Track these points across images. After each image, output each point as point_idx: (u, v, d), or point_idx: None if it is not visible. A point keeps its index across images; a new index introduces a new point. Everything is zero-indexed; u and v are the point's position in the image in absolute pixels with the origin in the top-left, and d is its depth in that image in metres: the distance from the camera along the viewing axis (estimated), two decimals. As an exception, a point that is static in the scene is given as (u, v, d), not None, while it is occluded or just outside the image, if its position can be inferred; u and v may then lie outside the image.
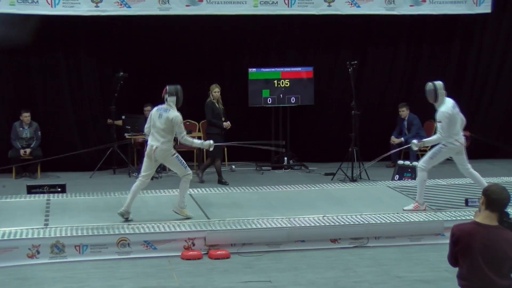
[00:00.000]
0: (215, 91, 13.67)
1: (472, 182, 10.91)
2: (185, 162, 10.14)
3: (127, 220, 9.83)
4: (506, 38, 16.19)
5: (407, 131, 15.40)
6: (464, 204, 10.84)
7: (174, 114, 9.86)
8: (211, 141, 10.34)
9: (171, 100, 9.92)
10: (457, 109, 10.43)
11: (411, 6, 15.09)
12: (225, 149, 14.74)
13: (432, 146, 10.71)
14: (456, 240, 5.35)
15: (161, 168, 14.38)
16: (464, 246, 5.29)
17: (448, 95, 10.47)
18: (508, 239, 5.26)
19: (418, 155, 15.26)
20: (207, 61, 15.41)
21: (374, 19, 15.33)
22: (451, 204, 10.97)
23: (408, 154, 15.17)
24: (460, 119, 10.47)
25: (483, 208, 5.34)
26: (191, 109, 15.31)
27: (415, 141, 10.61)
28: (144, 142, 10.41)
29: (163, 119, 9.84)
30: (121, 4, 14.14)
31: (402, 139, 15.28)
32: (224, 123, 13.68)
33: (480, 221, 5.34)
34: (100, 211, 10.49)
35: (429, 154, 10.50)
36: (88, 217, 10.13)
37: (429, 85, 10.43)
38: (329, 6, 14.84)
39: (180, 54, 15.24)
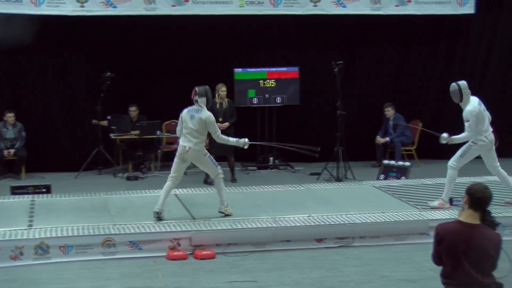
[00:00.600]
0: (222, 90, 13.82)
1: (500, 182, 10.81)
2: (216, 162, 10.20)
3: (159, 218, 9.80)
4: (490, 37, 16.26)
5: (392, 131, 15.44)
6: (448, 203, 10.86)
7: (207, 114, 9.91)
8: (246, 139, 10.29)
9: (202, 100, 9.95)
10: (483, 106, 10.45)
11: (396, 6, 15.14)
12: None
13: (461, 145, 10.58)
14: (440, 239, 5.38)
15: (147, 169, 14.39)
16: (448, 245, 5.32)
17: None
18: (490, 237, 5.30)
19: (403, 155, 15.35)
20: (193, 61, 15.38)
21: (360, 19, 15.36)
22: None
23: (393, 154, 15.23)
24: (487, 116, 10.49)
25: (466, 207, 5.37)
26: (177, 109, 15.24)
27: (445, 134, 10.46)
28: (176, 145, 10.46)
29: (195, 120, 9.87)
30: (106, 4, 14.10)
31: (388, 138, 15.33)
32: (218, 124, 13.68)
33: (463, 220, 5.37)
34: (85, 212, 10.45)
35: (459, 152, 10.50)
36: (73, 217, 10.08)
37: (453, 85, 10.43)
38: (315, 6, 14.85)
39: (166, 54, 15.22)
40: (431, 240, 5.65)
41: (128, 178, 13.95)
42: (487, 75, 16.40)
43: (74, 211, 10.48)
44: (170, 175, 10.08)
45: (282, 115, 15.40)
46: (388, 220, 10.04)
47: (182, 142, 10.00)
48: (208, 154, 10.14)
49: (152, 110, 15.02)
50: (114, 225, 9.62)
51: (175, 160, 10.06)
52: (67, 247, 9.06)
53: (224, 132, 13.56)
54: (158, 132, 14.77)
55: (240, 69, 15.15)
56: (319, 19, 15.09)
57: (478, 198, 5.31)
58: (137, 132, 14.58)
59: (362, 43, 15.98)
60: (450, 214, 10.14)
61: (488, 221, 5.34)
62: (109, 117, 14.72)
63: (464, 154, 10.46)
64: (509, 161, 15.60)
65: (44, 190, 11.88)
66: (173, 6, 14.34)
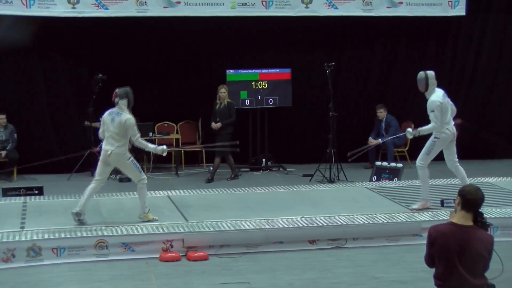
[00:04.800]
0: (221, 91, 14.15)
1: (457, 181, 10.83)
2: (140, 167, 10.10)
3: (80, 221, 9.69)
4: (479, 39, 16.29)
5: (384, 132, 15.45)
6: (439, 205, 10.86)
7: (127, 117, 9.80)
8: (164, 147, 10.27)
9: (123, 103, 9.87)
10: (447, 99, 10.47)
11: (388, 7, 15.14)
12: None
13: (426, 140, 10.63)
14: (433, 241, 5.39)
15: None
16: (441, 246, 5.34)
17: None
18: (481, 238, 5.32)
19: (395, 156, 15.38)
20: (185, 62, 15.37)
21: (351, 20, 15.36)
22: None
23: (385, 155, 15.24)
24: (451, 109, 10.51)
25: (458, 209, 5.39)
26: (169, 111, 15.29)
27: (409, 129, 10.53)
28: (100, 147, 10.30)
29: (116, 123, 9.77)
30: (98, 6, 14.02)
31: (380, 140, 15.32)
32: (213, 123, 13.99)
33: (455, 222, 5.38)
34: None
35: (424, 150, 10.49)
36: (66, 219, 10.00)
37: (421, 74, 10.44)
38: (307, 7, 14.85)
39: (157, 56, 15.19)
40: (423, 242, 5.67)
41: (121, 180, 13.89)
42: (476, 76, 16.43)
43: (67, 213, 10.39)
44: (94, 178, 9.98)
45: (274, 117, 15.40)
46: (380, 222, 10.06)
47: (104, 145, 9.86)
48: (132, 158, 9.95)
49: (144, 111, 14.95)
50: (106, 226, 9.61)
51: (99, 163, 9.92)
52: (59, 249, 9.04)
53: (220, 132, 13.71)
54: (151, 134, 14.74)
55: (232, 71, 15.13)
56: (309, 20, 15.10)
57: (471, 199, 5.33)
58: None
59: (352, 44, 15.99)
60: (442, 216, 10.13)
61: (480, 222, 5.36)
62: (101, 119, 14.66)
63: (429, 151, 10.45)
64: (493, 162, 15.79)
65: (36, 192, 11.85)
66: (164, 7, 14.29)
